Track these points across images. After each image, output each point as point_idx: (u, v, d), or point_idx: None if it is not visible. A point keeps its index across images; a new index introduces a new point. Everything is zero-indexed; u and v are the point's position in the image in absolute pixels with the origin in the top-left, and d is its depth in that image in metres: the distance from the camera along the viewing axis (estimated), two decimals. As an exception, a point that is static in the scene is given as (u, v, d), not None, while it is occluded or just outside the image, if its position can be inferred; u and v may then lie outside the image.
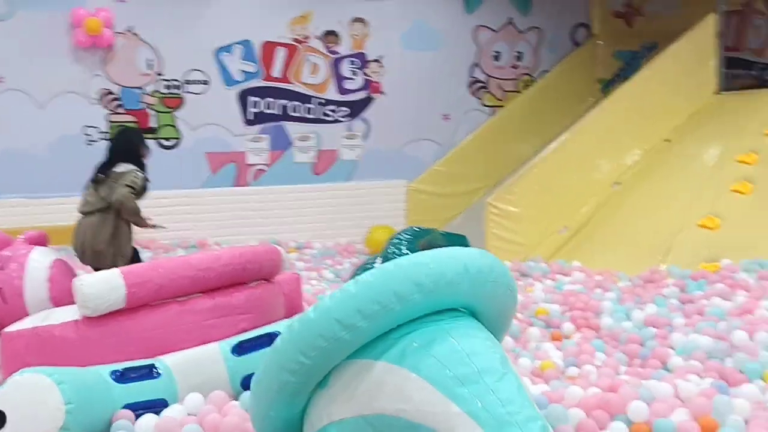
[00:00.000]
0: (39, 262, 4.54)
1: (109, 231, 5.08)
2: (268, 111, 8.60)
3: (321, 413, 2.22)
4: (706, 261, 5.63)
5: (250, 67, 8.47)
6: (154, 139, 8.12)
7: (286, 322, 3.39)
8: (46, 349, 3.34)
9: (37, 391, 2.61)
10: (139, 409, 2.85)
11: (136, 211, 5.12)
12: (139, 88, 8.07)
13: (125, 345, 3.37)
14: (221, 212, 8.31)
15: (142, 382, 2.91)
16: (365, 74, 8.91)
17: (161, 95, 8.13)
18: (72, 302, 4.27)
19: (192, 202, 8.26)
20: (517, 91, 9.63)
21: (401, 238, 3.98)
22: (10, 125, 7.63)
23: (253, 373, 2.99)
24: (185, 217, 8.15)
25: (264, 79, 8.53)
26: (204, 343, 3.55)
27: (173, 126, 8.22)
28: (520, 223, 6.91)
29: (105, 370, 2.89)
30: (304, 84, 8.70)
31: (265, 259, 4.01)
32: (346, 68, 8.85)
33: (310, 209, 8.73)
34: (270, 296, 4.04)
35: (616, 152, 7.35)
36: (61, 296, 4.57)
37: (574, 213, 7.13)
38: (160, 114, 8.16)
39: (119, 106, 8.00)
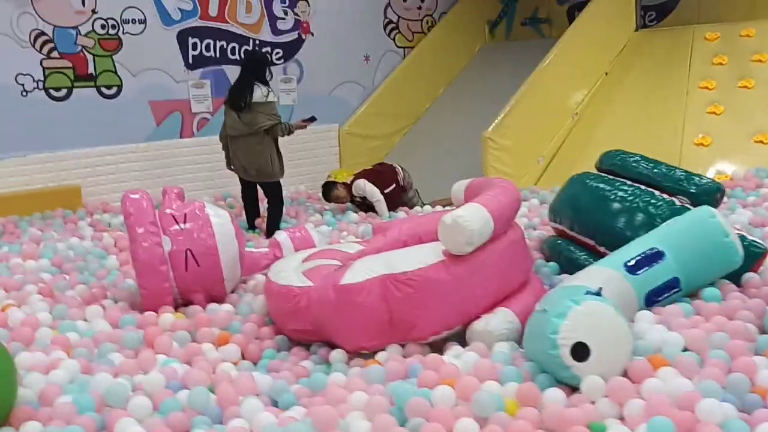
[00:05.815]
0: (221, 217, 4.02)
1: (270, 150, 6.04)
2: (207, 54, 7.91)
3: None
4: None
5: (187, 5, 7.70)
6: (95, 87, 7.13)
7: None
8: (420, 294, 3.07)
9: (604, 317, 2.48)
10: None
11: (286, 133, 6.11)
12: (74, 27, 6.97)
13: (486, 280, 3.23)
14: (168, 167, 7.57)
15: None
16: (295, 13, 8.54)
17: (98, 36, 7.10)
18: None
19: (137, 158, 7.41)
20: (423, 33, 9.85)
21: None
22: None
23: (655, 288, 3.12)
24: (131, 175, 7.32)
25: (201, 18, 7.82)
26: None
27: (113, 72, 7.24)
28: (511, 155, 7.25)
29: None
30: (240, 24, 8.12)
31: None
32: (277, 6, 8.40)
33: (257, 158, 8.26)
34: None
35: (573, 87, 7.95)
36: (243, 252, 4.14)
37: (547, 143, 7.66)
38: (97, 58, 7.13)
39: (53, 49, 6.85)
